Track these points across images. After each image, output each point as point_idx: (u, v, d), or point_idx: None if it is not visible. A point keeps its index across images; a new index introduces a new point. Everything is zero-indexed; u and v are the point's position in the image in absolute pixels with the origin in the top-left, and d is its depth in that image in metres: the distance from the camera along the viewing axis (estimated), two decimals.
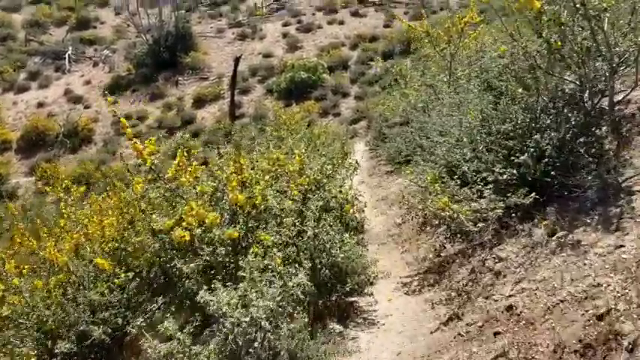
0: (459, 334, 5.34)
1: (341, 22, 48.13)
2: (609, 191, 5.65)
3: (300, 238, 5.37)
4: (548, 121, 6.33)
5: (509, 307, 5.02)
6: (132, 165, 6.88)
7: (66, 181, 7.83)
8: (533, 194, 5.95)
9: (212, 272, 5.14)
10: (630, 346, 3.92)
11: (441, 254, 7.04)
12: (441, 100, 10.80)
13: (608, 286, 4.48)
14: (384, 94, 22.83)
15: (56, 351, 6.12)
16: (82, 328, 6.03)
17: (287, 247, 5.21)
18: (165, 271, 5.41)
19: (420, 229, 7.92)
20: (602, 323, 4.19)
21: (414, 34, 16.01)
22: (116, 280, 5.97)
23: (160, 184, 5.81)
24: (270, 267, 4.56)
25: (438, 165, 7.23)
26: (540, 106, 6.47)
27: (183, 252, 5.19)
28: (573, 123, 6.14)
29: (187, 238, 4.93)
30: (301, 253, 5.25)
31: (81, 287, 6.43)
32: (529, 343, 4.56)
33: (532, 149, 6.09)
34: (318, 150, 7.02)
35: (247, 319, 4.02)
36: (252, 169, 6.03)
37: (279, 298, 4.15)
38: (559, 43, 5.79)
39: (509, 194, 6.09)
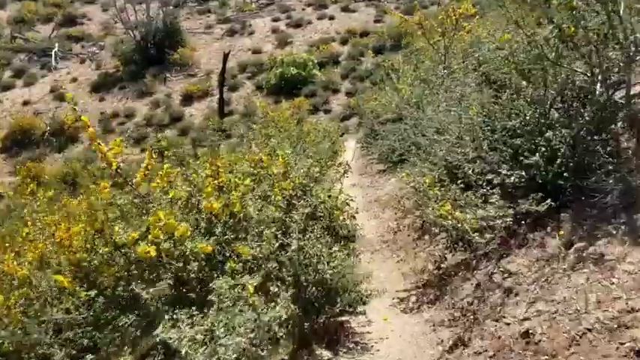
0: None
1: (331, 18, 47.78)
2: (633, 195, 4.95)
3: (283, 253, 4.71)
4: (559, 117, 5.72)
5: (525, 334, 4.27)
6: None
7: (31, 185, 7.19)
8: (548, 201, 5.22)
9: (184, 289, 4.54)
10: None
11: (441, 265, 6.25)
12: (437, 94, 10.22)
13: None
14: (376, 90, 22.22)
15: None
16: (42, 350, 5.41)
17: (268, 262, 4.58)
18: (132, 289, 4.80)
19: (417, 237, 7.22)
20: None
21: (406, 28, 15.51)
22: (81, 295, 5.33)
23: (129, 189, 5.21)
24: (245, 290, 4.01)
25: (437, 166, 6.55)
26: (549, 100, 5.85)
27: (151, 268, 4.58)
28: (587, 118, 5.51)
29: (153, 253, 4.30)
30: (284, 270, 4.60)
31: (46, 303, 5.81)
32: None
33: (543, 148, 5.44)
34: (305, 150, 6.28)
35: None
36: (230, 172, 5.42)
37: (252, 335, 3.55)
38: (572, 29, 5.21)
39: (518, 199, 5.39)
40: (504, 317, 4.62)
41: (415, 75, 15.08)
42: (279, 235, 4.71)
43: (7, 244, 6.70)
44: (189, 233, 4.42)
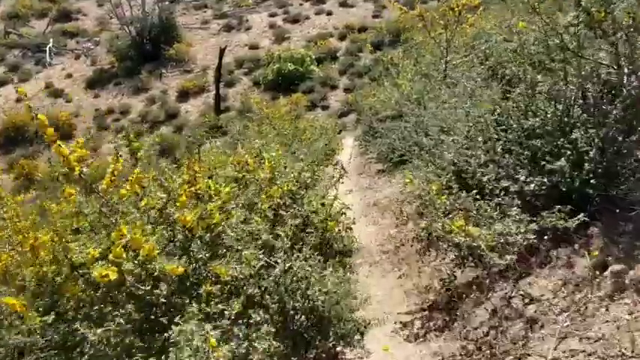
0: None
1: (329, 13, 47.17)
2: None
3: (268, 275, 3.99)
4: (583, 115, 4.95)
5: None
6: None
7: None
8: (580, 216, 4.37)
9: (153, 317, 3.90)
10: None
11: (450, 284, 5.29)
12: (439, 90, 9.57)
13: None
14: (375, 85, 21.58)
15: None
16: None
17: (249, 286, 3.90)
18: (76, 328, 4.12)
19: (421, 247, 6.35)
20: None
21: (405, 23, 14.91)
22: (35, 321, 4.70)
23: (95, 196, 4.57)
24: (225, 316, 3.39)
25: (445, 171, 5.76)
26: (572, 96, 5.09)
27: (112, 293, 3.94)
28: (617, 117, 4.67)
29: (112, 276, 3.66)
30: (267, 297, 3.90)
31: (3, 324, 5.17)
32: None
33: (568, 151, 4.70)
34: (295, 153, 5.53)
35: None
36: (210, 178, 4.75)
37: None
38: (602, 14, 4.56)
39: (538, 209, 4.56)
40: (529, 355, 3.81)
41: (416, 70, 14.44)
42: (263, 255, 4.02)
43: None
44: (156, 252, 3.77)
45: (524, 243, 4.50)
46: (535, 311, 4.19)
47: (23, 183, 29.81)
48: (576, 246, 4.52)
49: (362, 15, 45.87)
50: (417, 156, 7.43)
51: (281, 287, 3.86)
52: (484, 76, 7.33)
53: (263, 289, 3.86)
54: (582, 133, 4.68)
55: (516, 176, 4.85)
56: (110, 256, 3.74)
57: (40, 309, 4.49)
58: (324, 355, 4.41)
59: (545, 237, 4.63)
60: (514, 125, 5.27)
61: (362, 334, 4.47)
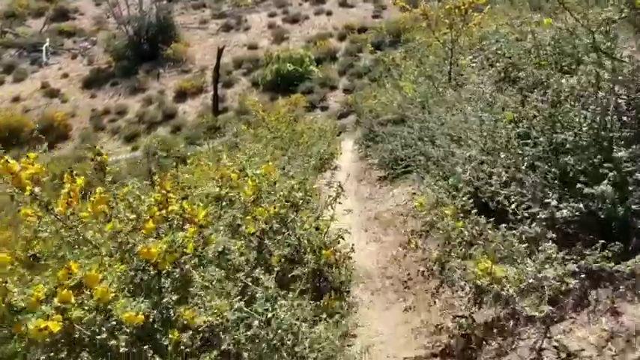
0: None
1: (329, 13, 46.96)
2: None
3: (247, 327, 3.24)
4: (623, 127, 4.14)
5: None
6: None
7: None
8: (637, 259, 3.42)
9: None
10: None
11: (466, 324, 4.35)
12: (445, 93, 8.88)
13: None
14: (375, 87, 20.87)
15: None
16: None
17: (224, 337, 3.17)
18: None
19: (430, 274, 5.54)
20: None
21: (406, 22, 14.23)
22: None
23: (52, 219, 3.90)
24: None
25: (460, 191, 4.71)
26: (612, 105, 4.19)
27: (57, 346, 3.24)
28: None
29: (55, 328, 2.96)
30: (246, 354, 3.15)
31: None
32: None
33: (612, 173, 3.84)
34: (288, 164, 4.70)
35: None
36: (184, 199, 4.03)
37: None
38: None
39: (570, 238, 3.82)
40: None
41: (419, 71, 13.72)
42: (240, 301, 3.29)
43: None
44: (110, 295, 3.09)
45: (563, 288, 3.67)
46: None
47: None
48: (622, 288, 3.66)
49: (362, 15, 45.62)
50: (423, 167, 6.73)
51: (262, 343, 3.14)
52: (495, 79, 6.64)
53: (241, 342, 3.15)
54: (624, 149, 3.90)
55: (546, 200, 4.04)
56: (55, 301, 3.06)
57: None
58: None
59: (583, 275, 3.79)
60: (541, 138, 4.49)
61: None
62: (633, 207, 3.84)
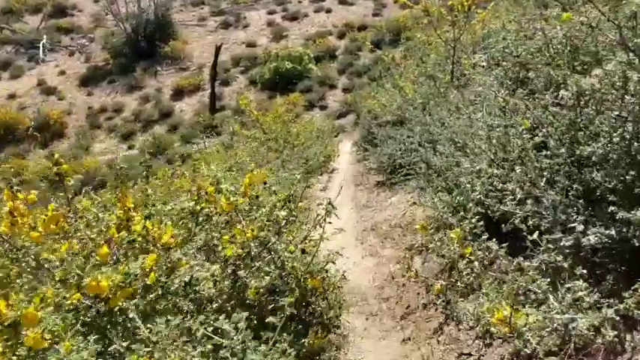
0: None
1: (328, 11, 46.39)
2: None
3: None
4: None
5: None
6: None
7: None
8: None
9: None
10: None
11: None
12: (448, 93, 8.35)
13: None
14: (374, 86, 20.32)
15: None
16: None
17: None
18: None
19: (434, 304, 4.89)
20: None
21: (406, 20, 13.72)
22: None
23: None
24: None
25: (468, 211, 4.10)
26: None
27: None
28: None
29: None
30: None
31: None
32: None
33: None
34: (266, 188, 3.98)
35: None
36: (148, 218, 3.44)
37: None
38: None
39: (596, 266, 3.25)
40: None
41: (419, 70, 13.18)
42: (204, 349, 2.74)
43: None
44: (45, 343, 2.56)
45: (597, 341, 2.99)
46: None
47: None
48: None
49: (362, 13, 45.14)
50: (424, 176, 6.18)
51: None
52: (502, 79, 6.09)
53: None
54: None
55: (569, 223, 3.45)
56: None
57: None
58: None
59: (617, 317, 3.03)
60: (562, 150, 3.80)
61: None
62: None
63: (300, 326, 3.53)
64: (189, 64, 41.81)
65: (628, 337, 3.08)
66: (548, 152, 3.85)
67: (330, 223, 3.80)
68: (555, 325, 2.98)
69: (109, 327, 2.79)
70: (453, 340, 4.18)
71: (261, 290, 3.39)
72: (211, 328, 2.76)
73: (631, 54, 3.67)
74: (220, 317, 2.75)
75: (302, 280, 3.64)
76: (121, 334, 2.76)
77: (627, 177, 3.35)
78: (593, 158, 3.48)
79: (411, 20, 30.73)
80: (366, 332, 4.90)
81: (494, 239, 3.60)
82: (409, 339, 4.60)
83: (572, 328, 2.93)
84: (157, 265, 3.08)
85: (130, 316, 2.72)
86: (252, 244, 3.56)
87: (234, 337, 2.62)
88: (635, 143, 3.39)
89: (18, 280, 3.14)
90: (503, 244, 3.53)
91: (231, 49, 41.52)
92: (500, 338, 3.59)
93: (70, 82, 41.31)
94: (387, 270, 6.09)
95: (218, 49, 34.87)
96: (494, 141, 4.43)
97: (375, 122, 14.07)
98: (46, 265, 3.33)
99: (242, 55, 40.92)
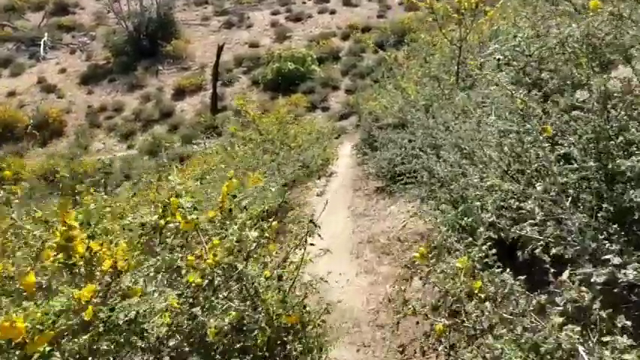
0: None
1: (332, 12, 46.30)
2: None
3: None
4: None
5: None
6: None
7: None
8: None
9: None
10: None
11: None
12: (453, 95, 7.80)
13: None
14: (376, 87, 19.80)
15: None
16: None
17: None
18: None
19: (435, 346, 4.27)
20: None
21: (412, 22, 13.19)
22: None
23: None
24: None
25: (479, 236, 3.40)
26: None
27: None
28: None
29: None
30: None
31: None
32: None
33: None
34: (235, 203, 3.27)
35: None
36: (91, 237, 2.84)
37: None
38: None
39: (629, 303, 2.68)
40: None
41: (423, 71, 12.63)
42: None
43: None
44: None
45: None
46: None
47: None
48: None
49: (366, 15, 45.01)
50: (425, 185, 5.61)
51: None
52: (513, 80, 5.54)
53: None
54: None
55: (601, 254, 2.81)
56: None
57: None
58: None
59: None
60: (590, 162, 3.16)
61: None
62: None
63: None
64: (191, 63, 41.55)
65: None
66: (573, 165, 3.22)
67: (312, 244, 3.20)
68: None
69: None
70: None
71: (225, 328, 2.81)
72: None
73: None
74: None
75: (275, 316, 3.02)
76: None
77: None
78: (629, 173, 2.87)
79: (416, 22, 30.37)
80: None
81: (507, 270, 2.96)
82: None
83: None
84: (97, 296, 2.52)
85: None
86: (215, 272, 2.97)
87: None
88: None
89: None
90: (520, 277, 2.88)
91: (234, 49, 41.27)
92: None
93: (70, 80, 41.05)
94: (384, 290, 5.45)
95: (220, 49, 34.58)
96: (506, 149, 3.83)
97: (375, 124, 13.47)
98: None
99: (245, 55, 40.58)
